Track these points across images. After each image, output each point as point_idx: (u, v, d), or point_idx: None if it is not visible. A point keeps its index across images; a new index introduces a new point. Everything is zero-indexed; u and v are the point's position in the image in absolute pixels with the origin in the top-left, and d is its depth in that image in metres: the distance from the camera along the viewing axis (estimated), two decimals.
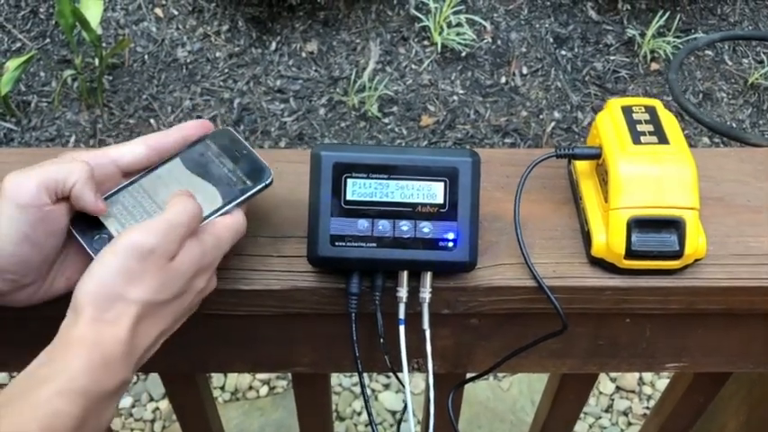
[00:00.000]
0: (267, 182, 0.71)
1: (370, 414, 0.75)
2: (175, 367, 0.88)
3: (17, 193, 0.63)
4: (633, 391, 2.18)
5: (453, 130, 2.69)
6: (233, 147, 0.72)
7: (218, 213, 0.69)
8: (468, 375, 0.87)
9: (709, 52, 2.96)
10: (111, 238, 0.67)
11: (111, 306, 0.60)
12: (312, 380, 0.99)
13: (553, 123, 2.74)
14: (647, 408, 2.15)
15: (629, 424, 2.13)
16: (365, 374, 0.80)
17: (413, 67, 2.82)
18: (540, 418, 1.14)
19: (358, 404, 2.12)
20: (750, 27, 3.05)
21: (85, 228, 0.68)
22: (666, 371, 0.87)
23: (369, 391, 2.05)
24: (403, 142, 2.65)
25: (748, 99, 2.87)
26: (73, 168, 0.65)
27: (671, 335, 0.83)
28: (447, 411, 0.86)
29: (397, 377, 0.78)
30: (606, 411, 2.15)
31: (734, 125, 2.79)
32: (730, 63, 2.95)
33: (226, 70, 2.78)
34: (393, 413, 2.09)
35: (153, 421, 2.08)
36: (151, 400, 2.11)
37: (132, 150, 0.70)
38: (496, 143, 2.68)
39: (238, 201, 0.70)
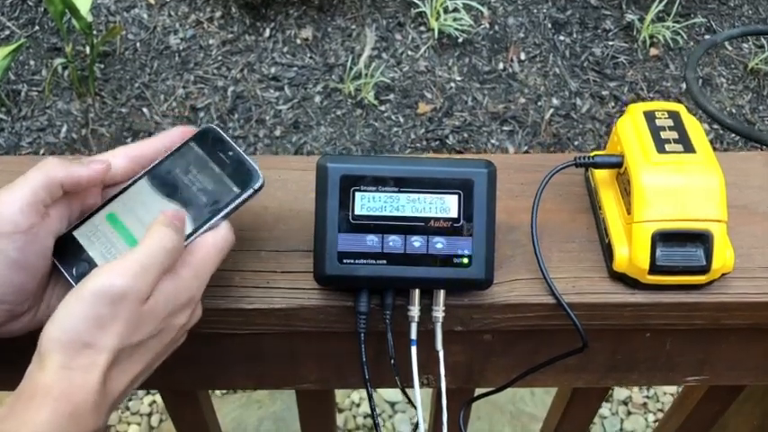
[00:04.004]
0: (257, 186, 0.64)
1: None
2: (177, 385, 0.85)
3: (0, 223, 0.58)
4: None
5: (451, 118, 2.65)
6: (218, 148, 0.66)
7: (203, 229, 0.63)
8: (481, 391, 0.83)
9: (708, 37, 2.92)
10: (91, 264, 0.63)
11: (79, 354, 0.55)
12: (317, 394, 0.96)
13: (551, 110, 2.70)
14: (647, 397, 2.14)
15: (629, 413, 2.13)
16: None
17: (409, 53, 2.78)
18: (550, 427, 1.11)
19: (356, 395, 2.11)
20: (750, 12, 3.01)
21: (66, 255, 0.63)
22: (686, 383, 0.84)
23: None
24: (400, 130, 2.61)
25: (748, 85, 2.83)
26: (48, 168, 0.61)
27: (692, 349, 0.80)
28: (458, 427, 0.83)
29: (407, 395, 0.75)
30: (606, 401, 2.15)
31: (733, 111, 2.76)
32: (730, 48, 2.92)
33: (219, 58, 2.73)
34: (392, 404, 2.08)
35: (150, 414, 2.07)
36: (148, 393, 2.09)
37: (113, 163, 0.64)
38: (494, 130, 2.65)
39: (225, 212, 0.64)
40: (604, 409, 2.13)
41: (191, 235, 0.63)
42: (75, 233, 0.64)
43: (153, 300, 0.59)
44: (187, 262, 0.61)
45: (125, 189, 0.66)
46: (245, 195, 0.64)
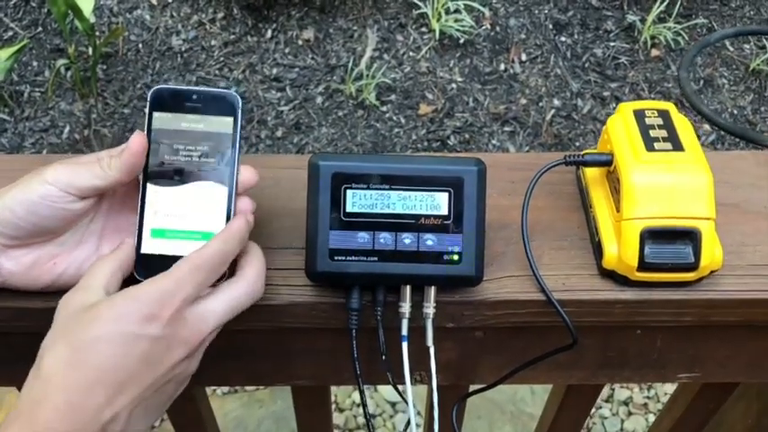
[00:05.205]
0: (242, 105, 0.66)
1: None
2: None
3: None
4: None
5: (452, 119, 2.66)
6: (183, 98, 0.66)
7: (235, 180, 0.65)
8: (473, 387, 0.84)
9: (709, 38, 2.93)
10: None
11: None
12: (312, 391, 0.97)
13: (553, 111, 2.71)
14: (648, 397, 2.14)
15: (630, 414, 2.12)
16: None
17: (411, 54, 2.78)
18: (545, 424, 1.12)
19: (357, 396, 2.10)
20: (752, 13, 3.01)
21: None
22: (678, 381, 0.84)
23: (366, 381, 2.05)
24: (401, 131, 2.62)
25: (750, 85, 2.83)
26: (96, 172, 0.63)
27: (683, 346, 0.80)
28: (451, 423, 0.83)
29: (399, 392, 0.75)
30: (606, 401, 2.15)
31: (735, 112, 2.76)
32: (731, 49, 2.92)
33: (221, 59, 2.74)
34: (393, 404, 2.08)
35: None
36: None
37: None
38: (495, 131, 2.65)
39: (237, 148, 0.65)
40: (605, 410, 2.13)
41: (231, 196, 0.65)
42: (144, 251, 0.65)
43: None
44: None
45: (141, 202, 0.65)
46: (240, 120, 0.66)
